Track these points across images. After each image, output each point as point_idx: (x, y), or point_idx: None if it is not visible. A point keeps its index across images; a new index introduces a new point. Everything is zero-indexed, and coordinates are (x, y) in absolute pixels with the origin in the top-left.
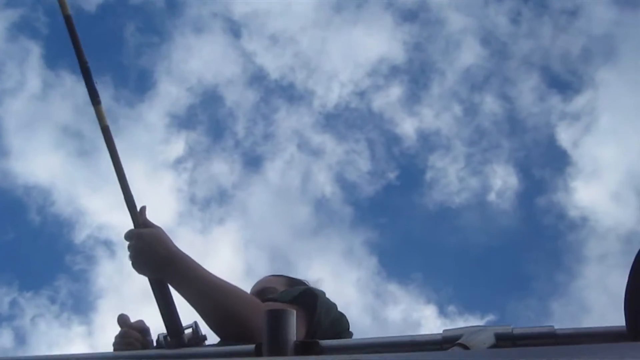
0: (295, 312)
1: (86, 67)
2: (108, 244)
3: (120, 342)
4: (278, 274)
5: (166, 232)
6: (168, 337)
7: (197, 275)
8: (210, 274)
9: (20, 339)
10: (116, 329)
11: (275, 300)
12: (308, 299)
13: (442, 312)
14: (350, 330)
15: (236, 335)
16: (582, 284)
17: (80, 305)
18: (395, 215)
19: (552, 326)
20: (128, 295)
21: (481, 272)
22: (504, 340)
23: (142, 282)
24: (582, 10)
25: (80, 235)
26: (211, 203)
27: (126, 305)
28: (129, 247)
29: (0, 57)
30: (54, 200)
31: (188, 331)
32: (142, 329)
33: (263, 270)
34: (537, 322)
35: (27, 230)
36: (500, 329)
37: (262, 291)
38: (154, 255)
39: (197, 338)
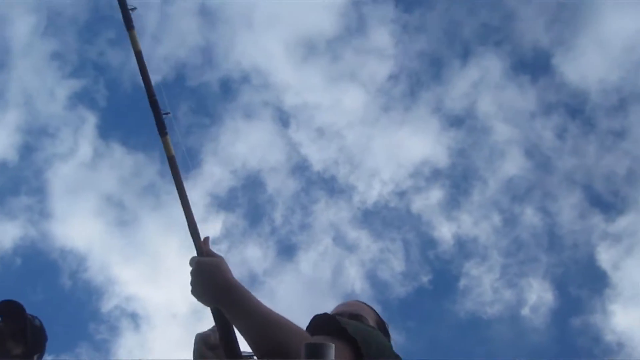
0: (334, 345)
1: (154, 99)
2: (134, 317)
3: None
4: (370, 305)
5: (226, 263)
6: None
7: (251, 308)
8: (265, 306)
9: None
10: None
11: (323, 331)
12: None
13: None
14: None
15: None
16: None
17: None
18: (424, 320)
19: None
20: None
21: None
22: None
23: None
24: (629, 131)
25: (107, 305)
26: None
27: None
28: (190, 274)
29: (57, 122)
30: (88, 266)
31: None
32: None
33: None
34: None
35: (57, 294)
36: None
37: (357, 317)
38: (211, 283)
39: None
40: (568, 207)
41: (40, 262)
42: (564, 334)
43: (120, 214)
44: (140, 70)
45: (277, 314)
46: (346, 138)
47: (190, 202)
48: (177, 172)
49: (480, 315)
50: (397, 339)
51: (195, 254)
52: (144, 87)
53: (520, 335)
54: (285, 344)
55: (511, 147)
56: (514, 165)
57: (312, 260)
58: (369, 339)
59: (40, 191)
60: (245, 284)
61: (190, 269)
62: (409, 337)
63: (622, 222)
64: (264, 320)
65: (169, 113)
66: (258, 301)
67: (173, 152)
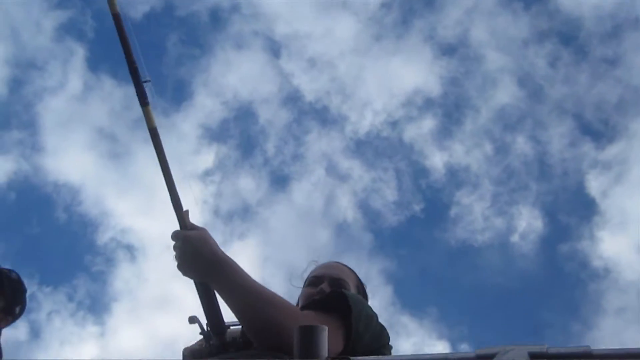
0: (327, 328)
1: (134, 67)
2: (129, 248)
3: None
4: (349, 267)
5: (210, 235)
6: (211, 334)
7: (240, 281)
8: (254, 281)
9: (35, 333)
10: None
11: (315, 306)
12: (345, 311)
13: (454, 349)
14: (390, 344)
15: (273, 345)
16: (597, 336)
17: (96, 306)
18: (416, 248)
19: (589, 346)
20: (142, 302)
21: (496, 314)
22: None
23: (156, 290)
24: (622, 59)
25: (103, 237)
26: (234, 217)
27: (139, 312)
28: (175, 248)
29: (45, 55)
30: (82, 199)
31: (236, 328)
32: None
33: (279, 288)
34: None
35: (53, 227)
36: (535, 348)
37: (338, 281)
38: (199, 258)
39: (246, 337)
40: (559, 135)
41: (34, 196)
42: (553, 260)
43: (113, 147)
44: (119, 35)
45: (266, 288)
46: (338, 68)
47: (172, 175)
48: (159, 144)
49: (471, 243)
50: (388, 266)
51: (178, 227)
52: (123, 53)
53: (509, 262)
54: (276, 318)
55: (503, 76)
56: (506, 93)
57: (305, 191)
58: (360, 311)
59: (31, 125)
60: (238, 215)
61: (174, 243)
62: (401, 264)
63: (612, 150)
64: (254, 293)
65: (149, 80)
66: (247, 275)
67: (155, 123)
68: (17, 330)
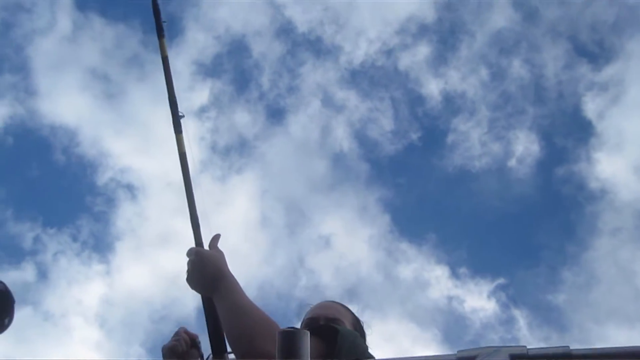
0: (308, 333)
1: (174, 101)
2: (129, 187)
3: (171, 340)
4: (344, 305)
5: (225, 258)
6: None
7: (235, 298)
8: (249, 300)
9: (42, 274)
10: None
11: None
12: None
13: (454, 274)
14: None
15: (246, 352)
16: (592, 256)
17: (100, 245)
18: (414, 176)
19: (568, 346)
20: (145, 239)
21: (495, 237)
22: None
23: (158, 228)
24: None
25: (102, 178)
26: (231, 152)
27: (143, 249)
28: (188, 263)
29: None
30: (79, 141)
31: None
32: (193, 338)
33: (278, 219)
34: (544, 291)
35: (52, 170)
36: (516, 350)
37: (334, 320)
38: (206, 273)
39: None
40: (555, 58)
41: (31, 139)
42: (550, 183)
43: (107, 87)
44: (165, 75)
45: (257, 307)
46: None
47: (195, 198)
48: (186, 168)
49: (469, 169)
50: (386, 195)
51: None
52: (166, 90)
53: (507, 186)
54: (249, 327)
55: None
56: (501, 17)
57: (301, 123)
58: (347, 336)
59: (23, 68)
60: (235, 150)
61: (188, 258)
62: (399, 193)
63: (609, 71)
64: (244, 311)
65: (184, 116)
66: (244, 294)
67: (185, 149)
68: (24, 272)
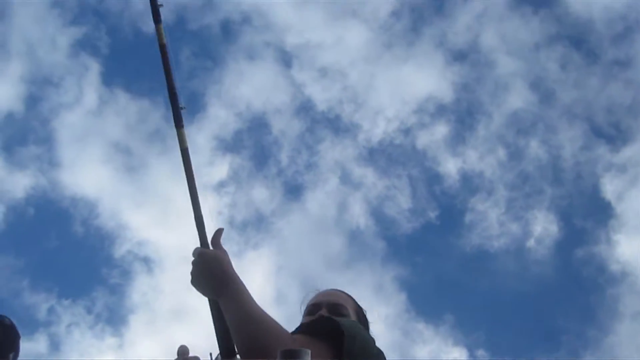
0: (310, 352)
1: (174, 92)
2: (146, 261)
3: None
4: (347, 293)
5: (229, 257)
6: (220, 357)
7: (242, 303)
8: (256, 305)
9: (55, 345)
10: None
11: (305, 330)
12: (337, 338)
13: (472, 356)
14: None
15: None
16: (614, 341)
17: (114, 318)
18: (431, 255)
19: None
20: (159, 313)
21: (513, 320)
22: None
23: (173, 302)
24: (634, 60)
25: (120, 250)
26: (248, 227)
27: (156, 323)
28: (192, 264)
29: (60, 71)
30: (99, 213)
31: None
32: None
33: (293, 296)
34: None
35: (70, 241)
36: None
37: (336, 307)
38: (210, 275)
39: None
40: (572, 138)
41: (52, 210)
42: (569, 264)
43: (128, 160)
44: (164, 64)
45: (265, 313)
46: (349, 76)
47: (199, 195)
48: (189, 164)
49: (487, 248)
50: (403, 273)
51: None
52: (165, 80)
53: (526, 267)
54: (261, 339)
55: (515, 80)
56: (518, 98)
57: (319, 200)
58: (356, 333)
59: (48, 140)
60: (252, 225)
61: (193, 259)
62: (416, 271)
63: (627, 153)
64: (251, 316)
65: (185, 108)
66: (251, 297)
67: (187, 144)
68: (37, 344)
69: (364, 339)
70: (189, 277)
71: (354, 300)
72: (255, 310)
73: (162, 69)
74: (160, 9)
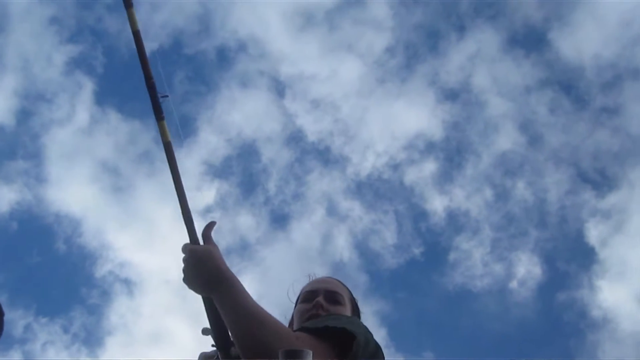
0: (311, 352)
1: (151, 82)
2: (127, 282)
3: None
4: (342, 282)
5: (220, 251)
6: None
7: (237, 299)
8: (252, 300)
9: None
10: None
11: (310, 329)
12: (345, 338)
13: None
14: None
15: None
16: None
17: (90, 339)
18: (413, 291)
19: None
20: (137, 336)
21: None
22: None
23: (151, 325)
24: (622, 108)
25: (101, 270)
26: (232, 254)
27: (133, 346)
28: (183, 261)
29: (54, 88)
30: (82, 231)
31: None
32: None
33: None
34: None
35: (52, 258)
36: None
37: (333, 294)
38: (203, 272)
39: None
40: (559, 182)
41: (36, 226)
42: (551, 308)
43: (116, 180)
44: (138, 51)
45: (264, 310)
46: (341, 109)
47: (184, 189)
48: (172, 158)
49: (470, 288)
50: (385, 310)
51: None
52: (141, 68)
53: (507, 308)
54: (265, 339)
55: (505, 122)
56: (507, 139)
57: (304, 230)
58: (367, 339)
59: (36, 156)
60: (237, 252)
61: (183, 256)
62: (398, 308)
63: (612, 199)
64: (249, 312)
65: (167, 96)
66: (247, 294)
67: (169, 137)
68: None
69: (375, 345)
70: (181, 275)
71: (348, 289)
72: (252, 306)
73: (138, 59)
74: None
